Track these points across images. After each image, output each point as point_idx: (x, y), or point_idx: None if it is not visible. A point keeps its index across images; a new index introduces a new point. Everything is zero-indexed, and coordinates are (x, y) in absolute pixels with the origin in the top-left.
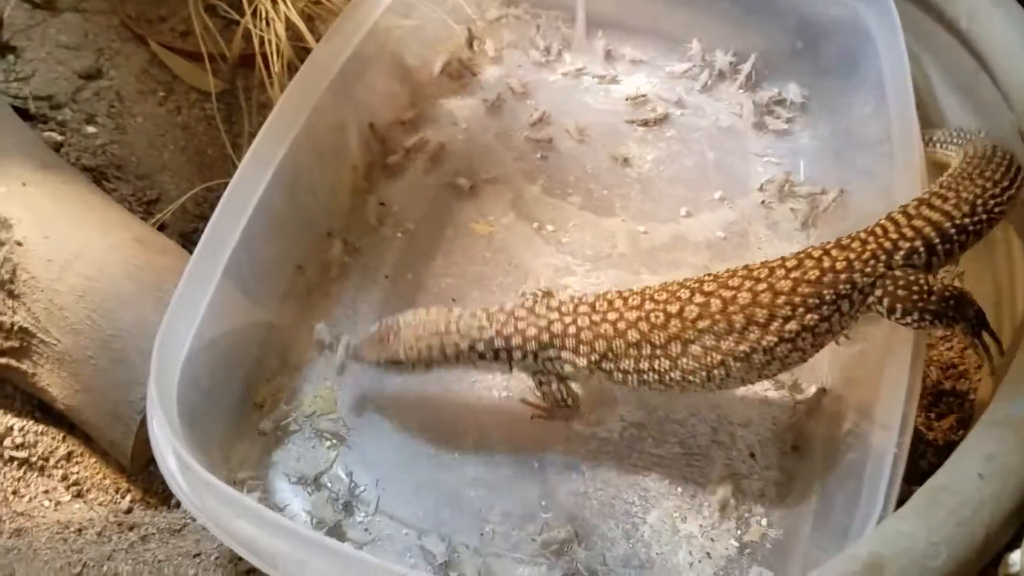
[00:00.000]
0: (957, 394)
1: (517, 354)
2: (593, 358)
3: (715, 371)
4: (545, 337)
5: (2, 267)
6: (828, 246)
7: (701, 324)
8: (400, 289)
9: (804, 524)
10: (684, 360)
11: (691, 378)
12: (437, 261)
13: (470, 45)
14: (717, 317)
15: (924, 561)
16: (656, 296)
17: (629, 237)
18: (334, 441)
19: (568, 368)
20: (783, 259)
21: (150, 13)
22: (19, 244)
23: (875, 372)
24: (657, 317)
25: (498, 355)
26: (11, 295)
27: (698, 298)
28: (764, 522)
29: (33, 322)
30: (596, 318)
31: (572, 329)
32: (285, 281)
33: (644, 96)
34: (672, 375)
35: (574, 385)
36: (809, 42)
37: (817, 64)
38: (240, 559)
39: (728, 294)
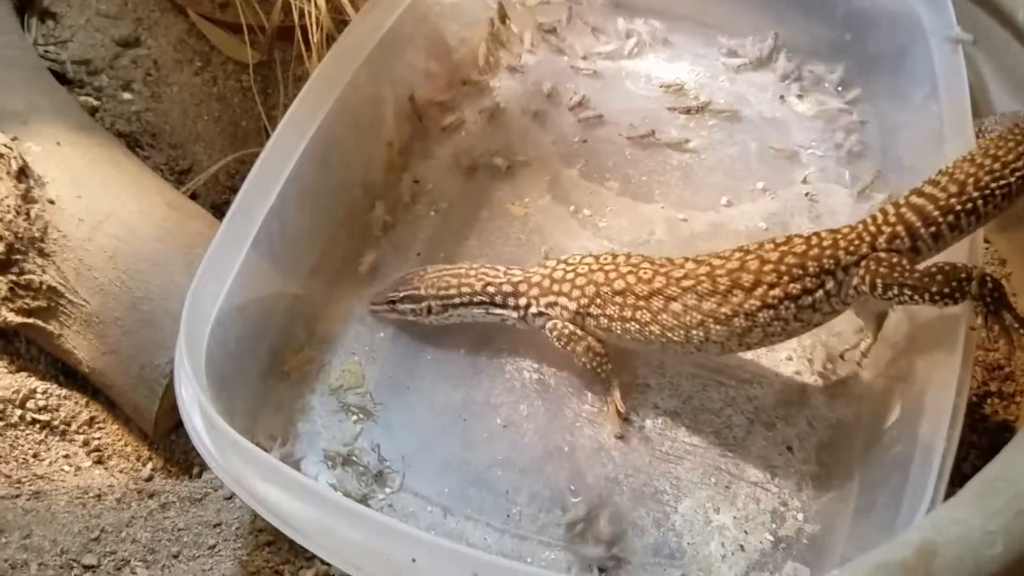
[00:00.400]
0: (1003, 396)
1: (523, 300)
2: (582, 302)
3: (694, 331)
4: (547, 283)
5: (34, 224)
6: (821, 231)
7: (685, 283)
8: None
9: (842, 520)
10: (664, 316)
11: (670, 335)
12: (470, 241)
13: (503, 21)
14: (702, 278)
15: (980, 550)
16: (655, 260)
17: (667, 224)
18: (360, 415)
19: (564, 313)
20: (774, 238)
21: None
22: (51, 202)
23: (921, 364)
24: (645, 272)
25: (507, 300)
26: (41, 253)
27: (690, 264)
28: (800, 516)
29: (62, 281)
30: (595, 267)
31: (571, 275)
32: (316, 253)
33: (684, 85)
34: (651, 329)
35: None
36: (858, 34)
37: (866, 57)
38: (261, 530)
39: (717, 261)
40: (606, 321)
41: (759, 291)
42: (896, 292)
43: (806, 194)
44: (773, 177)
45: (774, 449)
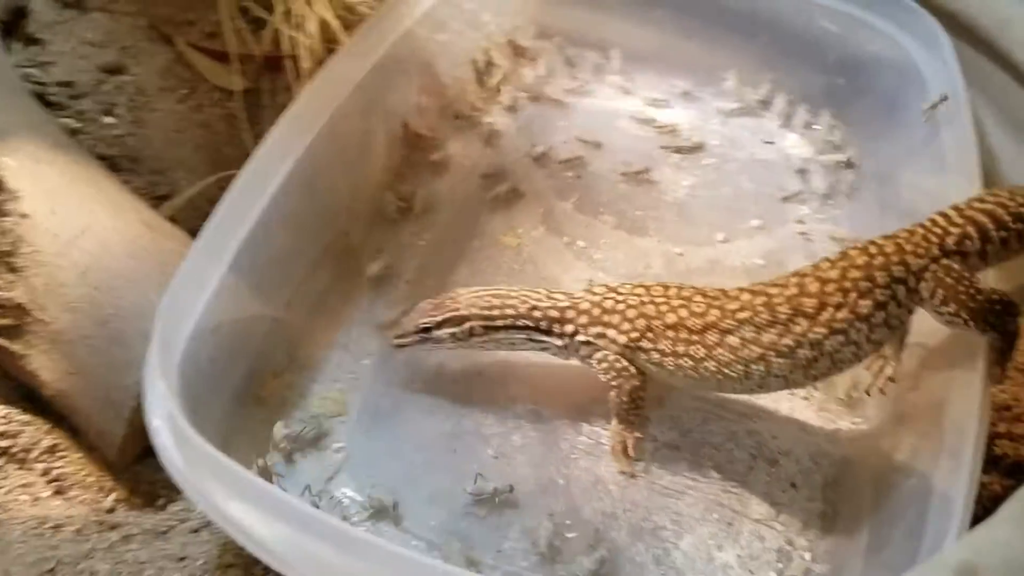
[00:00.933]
0: (1013, 437)
1: (568, 327)
2: (633, 335)
3: (753, 366)
4: (596, 312)
5: (5, 238)
6: (875, 238)
7: (741, 315)
8: (420, 296)
9: (853, 559)
10: (720, 351)
11: (727, 371)
12: (462, 270)
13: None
14: (759, 308)
15: None
16: (708, 292)
17: (664, 258)
18: (341, 444)
19: (612, 346)
20: (826, 257)
21: (179, 16)
22: (25, 217)
23: (933, 394)
24: (698, 305)
25: (551, 327)
26: (11, 269)
27: (745, 295)
28: (807, 556)
29: (30, 298)
30: (645, 298)
31: (620, 305)
32: (299, 277)
33: (678, 126)
34: (706, 365)
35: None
36: (851, 79)
37: (860, 101)
38: (229, 566)
39: (774, 289)
40: (658, 356)
41: (824, 316)
42: (952, 310)
43: (801, 233)
44: (768, 216)
45: (777, 486)
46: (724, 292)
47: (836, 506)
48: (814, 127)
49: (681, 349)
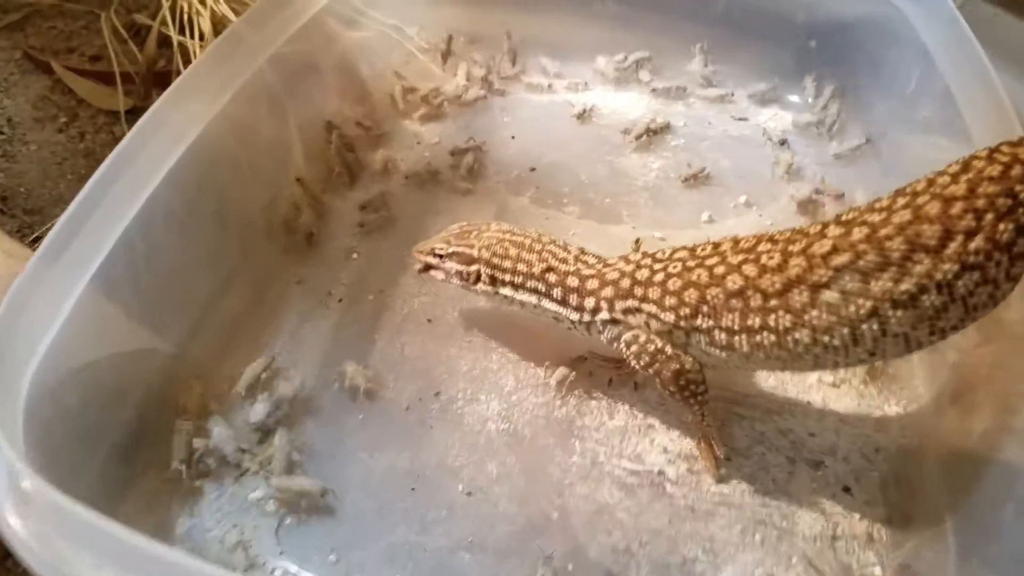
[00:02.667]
0: None
1: (590, 301)
2: (683, 312)
3: (864, 327)
4: (626, 283)
5: None
6: (993, 149)
7: (837, 259)
8: (358, 313)
9: (940, 567)
10: (814, 313)
11: (827, 339)
12: (405, 279)
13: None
14: (862, 248)
15: None
16: (777, 236)
17: (644, 244)
18: (271, 504)
19: (654, 325)
20: (935, 172)
21: (58, 44)
22: None
23: (1001, 361)
24: (772, 257)
25: (567, 297)
26: None
27: (833, 229)
28: (878, 572)
29: None
30: (691, 262)
31: (660, 276)
32: (200, 303)
33: (634, 110)
34: (797, 337)
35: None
36: (823, 39)
37: (837, 59)
38: None
39: (876, 218)
40: (723, 337)
41: (952, 247)
42: None
43: (798, 204)
44: (756, 192)
45: (826, 492)
46: (802, 232)
47: (904, 508)
48: (790, 97)
49: (756, 322)
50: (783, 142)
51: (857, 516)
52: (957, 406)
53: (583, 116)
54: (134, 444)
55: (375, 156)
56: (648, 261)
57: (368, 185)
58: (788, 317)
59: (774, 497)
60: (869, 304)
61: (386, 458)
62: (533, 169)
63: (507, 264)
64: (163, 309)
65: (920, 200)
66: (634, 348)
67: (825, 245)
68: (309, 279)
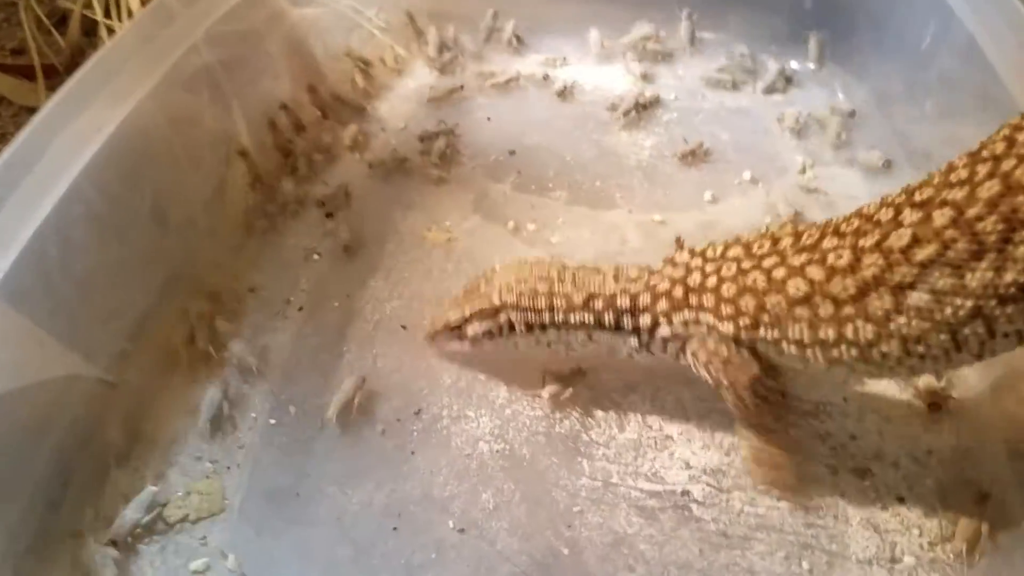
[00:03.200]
0: None
1: (646, 319)
2: (742, 323)
3: (966, 330)
4: (679, 292)
5: None
6: None
7: (922, 254)
8: (321, 322)
9: None
10: (901, 321)
11: (923, 349)
12: (375, 282)
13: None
14: (949, 235)
15: None
16: (843, 226)
17: (641, 229)
18: (223, 554)
19: (713, 338)
20: (1010, 127)
21: None
22: None
23: None
24: (840, 256)
25: (621, 321)
26: None
27: (909, 214)
28: None
29: None
30: (746, 263)
31: (712, 280)
32: (133, 321)
33: (621, 89)
34: (885, 350)
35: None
36: (825, 5)
37: (836, 20)
38: None
39: (958, 194)
40: (794, 350)
41: None
42: None
43: (805, 177)
44: (761, 166)
45: (877, 503)
46: (870, 219)
47: (972, 516)
48: (790, 64)
49: (830, 334)
50: (786, 114)
51: (916, 532)
52: (1018, 394)
53: (564, 93)
54: (57, 495)
55: (334, 145)
56: (698, 262)
57: (327, 178)
58: (869, 328)
59: (818, 515)
60: (969, 303)
61: (361, 492)
62: (513, 152)
63: (540, 303)
64: (87, 326)
65: (1006, 166)
66: (702, 356)
67: (903, 236)
68: (264, 285)
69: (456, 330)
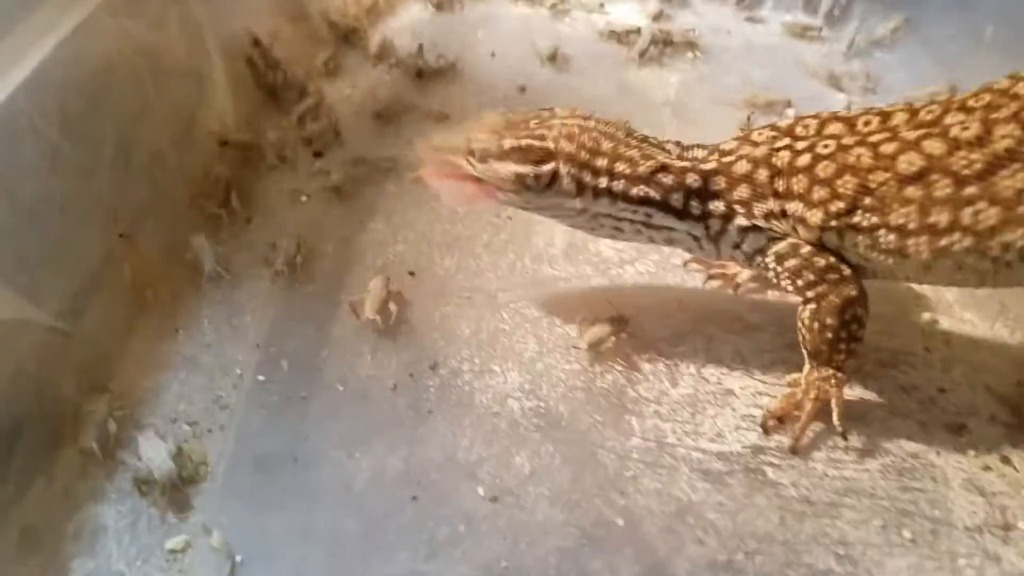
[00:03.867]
0: None
1: (718, 205)
2: (835, 208)
3: None
4: (762, 176)
5: None
6: None
7: None
8: (314, 270)
9: None
10: None
11: None
12: (375, 225)
13: None
14: None
15: None
16: (971, 101)
17: None
18: (206, 530)
19: (802, 233)
20: None
21: None
22: None
23: None
24: (967, 128)
25: (689, 203)
26: None
27: None
28: None
29: None
30: (849, 139)
31: (805, 159)
32: (90, 266)
33: (634, 22)
34: (1008, 240)
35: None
36: None
37: None
38: None
39: None
40: (893, 239)
41: None
42: None
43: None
44: (804, 103)
45: (977, 462)
46: (1002, 92)
47: None
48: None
49: (943, 219)
50: (823, 52)
51: None
52: None
53: (571, 25)
54: (0, 461)
55: (321, 80)
56: (786, 140)
57: (314, 116)
58: (994, 211)
59: (913, 476)
60: None
61: (371, 457)
62: (523, 88)
63: (601, 162)
64: (36, 266)
65: None
66: (792, 263)
67: None
68: (244, 230)
69: (478, 161)
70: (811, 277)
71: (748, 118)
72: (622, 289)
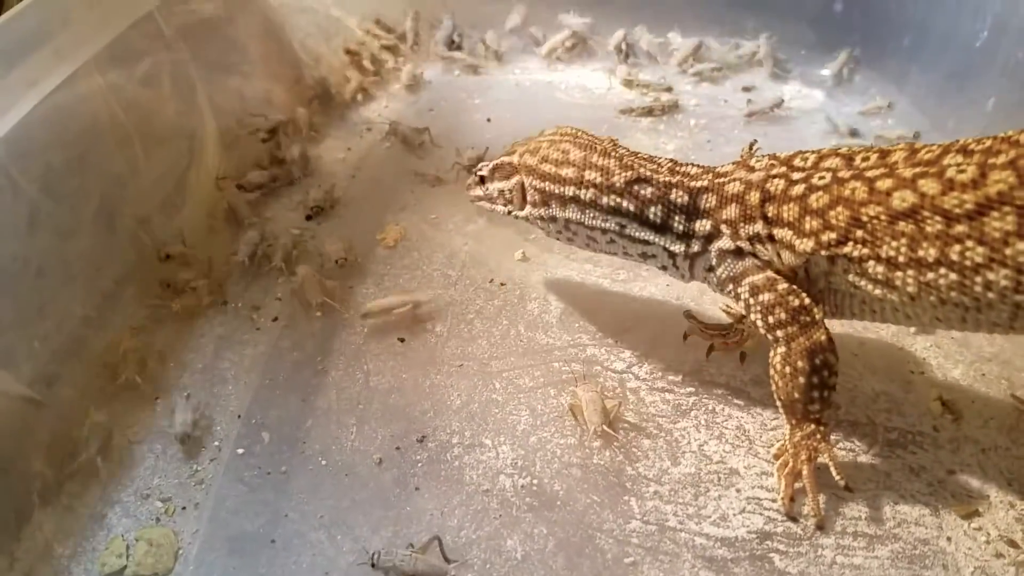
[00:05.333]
0: None
1: (704, 224)
2: (827, 238)
3: None
4: (754, 198)
5: None
6: None
7: None
8: (299, 334)
9: None
10: (1020, 247)
11: None
12: (365, 289)
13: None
14: None
15: None
16: (972, 145)
17: None
18: None
19: (787, 259)
20: None
21: None
22: None
23: None
24: (963, 171)
25: (670, 219)
26: None
27: None
28: None
29: None
30: (845, 173)
31: (799, 188)
32: (68, 330)
33: (644, 86)
34: (991, 278)
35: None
36: (853, 6)
37: (872, 24)
38: None
39: None
40: (881, 271)
41: None
42: None
43: None
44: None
45: (990, 550)
46: (1003, 139)
47: None
48: (820, 72)
49: (931, 254)
50: (828, 120)
51: None
52: None
53: (568, 94)
54: None
55: (317, 145)
56: (783, 169)
57: (308, 180)
58: (980, 250)
59: (924, 565)
60: None
61: (354, 539)
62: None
63: (567, 173)
64: (8, 332)
65: None
66: (766, 297)
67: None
68: (230, 293)
69: (480, 181)
70: (783, 316)
71: (751, 146)
72: (619, 359)
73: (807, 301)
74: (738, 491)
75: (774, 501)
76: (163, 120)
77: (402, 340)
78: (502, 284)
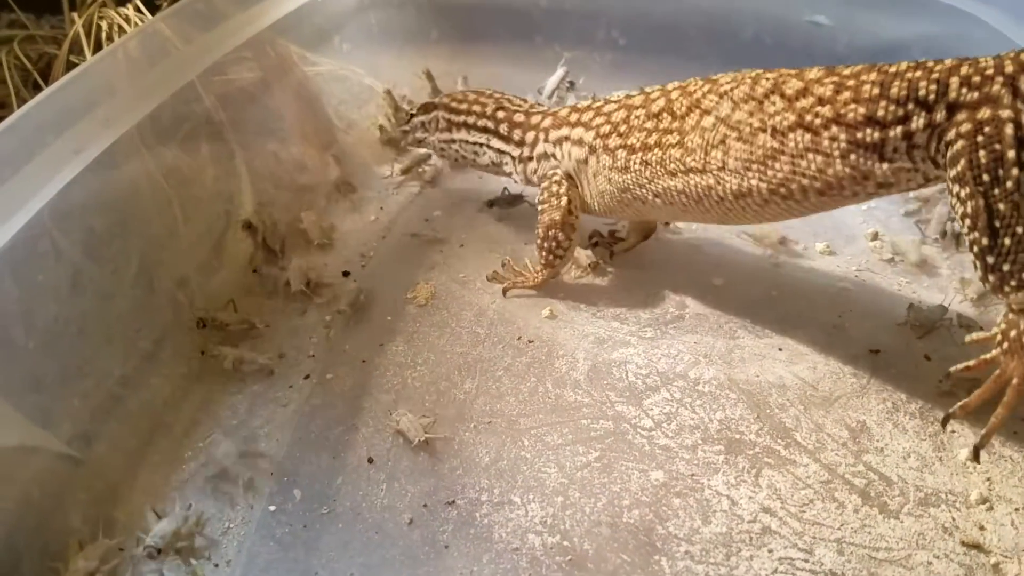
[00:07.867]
0: None
1: (530, 134)
2: (603, 130)
3: (716, 153)
4: (566, 113)
5: None
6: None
7: (725, 88)
8: (330, 393)
9: None
10: (696, 136)
11: (698, 159)
12: (395, 346)
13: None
14: (746, 82)
15: None
16: (723, 81)
17: (700, 291)
18: None
19: (575, 153)
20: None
21: None
22: None
23: None
24: (704, 91)
25: (511, 133)
26: None
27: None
28: None
29: None
30: (635, 95)
31: (600, 103)
32: (106, 389)
33: None
34: (676, 155)
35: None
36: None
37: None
38: None
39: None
40: (623, 156)
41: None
42: (983, 184)
43: (875, 242)
44: (830, 234)
45: None
46: (738, 79)
47: None
48: None
49: (653, 139)
50: None
51: None
52: None
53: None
54: None
55: (349, 208)
56: (599, 104)
57: (340, 242)
58: (674, 136)
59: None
60: (723, 129)
61: None
62: None
63: (463, 107)
64: (50, 391)
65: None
66: (545, 183)
67: (726, 83)
68: (263, 350)
69: (411, 117)
70: (544, 196)
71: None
72: (648, 417)
73: (563, 187)
74: (771, 551)
75: (806, 561)
76: (202, 184)
77: (431, 396)
78: (530, 341)
